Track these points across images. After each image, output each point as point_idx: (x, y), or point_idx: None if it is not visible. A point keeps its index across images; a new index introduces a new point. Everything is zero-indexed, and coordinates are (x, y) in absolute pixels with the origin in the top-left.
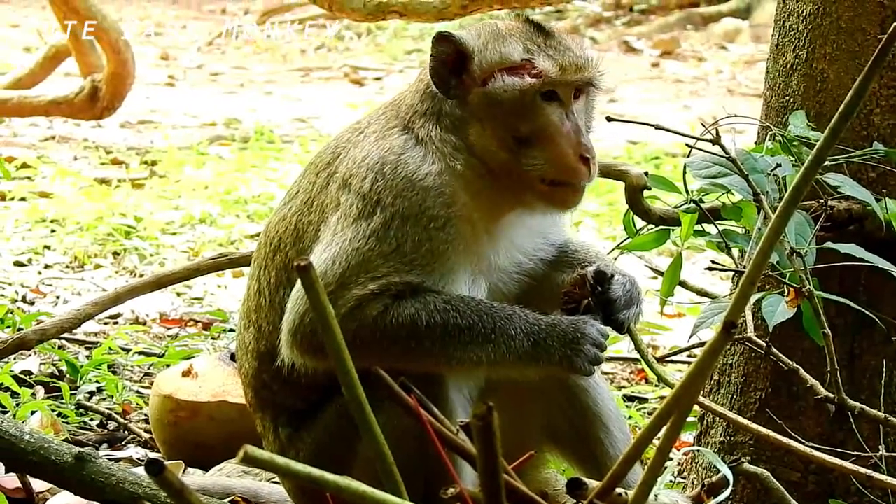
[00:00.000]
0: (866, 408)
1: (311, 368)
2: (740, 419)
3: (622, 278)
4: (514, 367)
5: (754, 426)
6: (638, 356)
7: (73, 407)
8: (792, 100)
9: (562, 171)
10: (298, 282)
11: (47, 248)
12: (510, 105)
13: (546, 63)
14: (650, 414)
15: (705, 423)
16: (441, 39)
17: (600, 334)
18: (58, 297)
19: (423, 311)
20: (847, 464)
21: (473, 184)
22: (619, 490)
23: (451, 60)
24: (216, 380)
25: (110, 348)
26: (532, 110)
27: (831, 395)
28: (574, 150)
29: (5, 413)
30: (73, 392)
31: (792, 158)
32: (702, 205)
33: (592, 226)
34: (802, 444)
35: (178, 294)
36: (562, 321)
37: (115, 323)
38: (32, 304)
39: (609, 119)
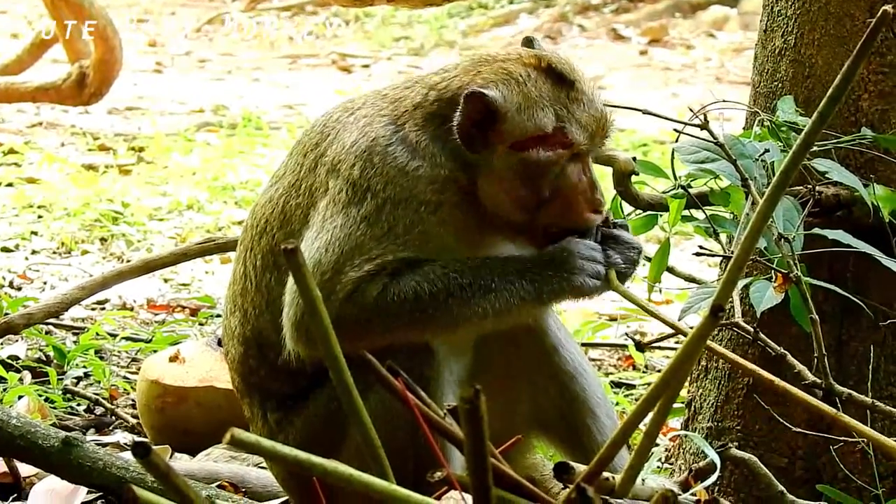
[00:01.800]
0: (854, 393)
1: (316, 358)
2: (742, 361)
3: (633, 239)
4: (521, 311)
5: (753, 366)
6: (624, 343)
7: (60, 392)
8: (780, 85)
9: (575, 223)
10: None
11: (34, 233)
12: (539, 171)
13: (577, 134)
14: (637, 400)
15: (693, 408)
16: (473, 99)
17: (589, 248)
18: (45, 283)
19: (424, 280)
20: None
21: (463, 187)
22: (606, 474)
23: (478, 116)
24: (203, 365)
25: (97, 333)
26: (557, 173)
27: (819, 381)
28: (590, 205)
29: None
30: (60, 377)
31: (780, 144)
32: (690, 190)
33: None
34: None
35: (166, 280)
36: (546, 250)
37: (102, 308)
38: (19, 289)
39: None
